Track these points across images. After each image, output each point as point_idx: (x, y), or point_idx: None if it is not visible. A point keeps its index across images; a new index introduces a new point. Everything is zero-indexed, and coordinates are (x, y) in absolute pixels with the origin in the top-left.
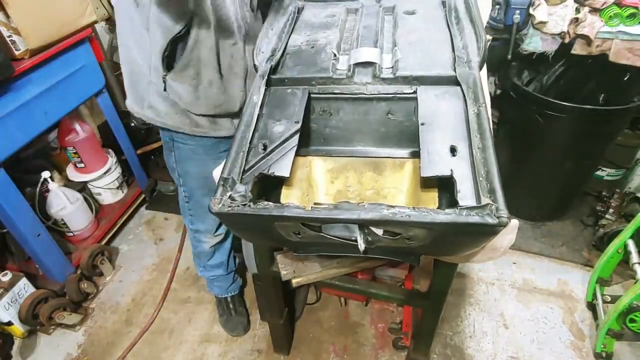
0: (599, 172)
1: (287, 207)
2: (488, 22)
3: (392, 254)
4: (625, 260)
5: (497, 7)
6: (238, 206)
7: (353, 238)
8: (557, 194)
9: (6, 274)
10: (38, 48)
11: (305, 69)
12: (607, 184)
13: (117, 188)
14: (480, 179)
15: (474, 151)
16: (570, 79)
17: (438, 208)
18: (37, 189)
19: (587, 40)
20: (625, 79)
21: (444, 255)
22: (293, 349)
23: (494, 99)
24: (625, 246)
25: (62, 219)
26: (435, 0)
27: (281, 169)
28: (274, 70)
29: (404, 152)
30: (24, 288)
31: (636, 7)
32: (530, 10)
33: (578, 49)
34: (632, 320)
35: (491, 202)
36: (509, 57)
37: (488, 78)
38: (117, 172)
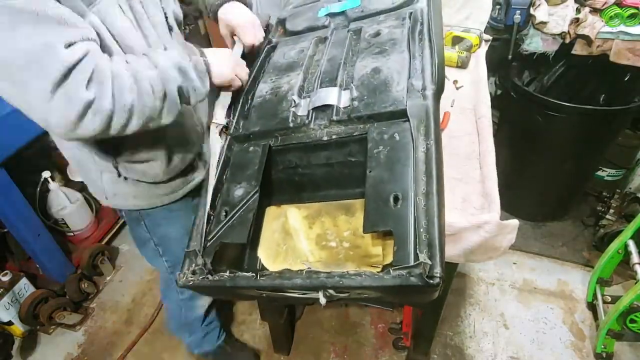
0: (599, 173)
1: (237, 277)
2: (489, 22)
3: (361, 300)
4: (625, 260)
5: (498, 7)
6: (198, 279)
7: (314, 296)
8: (558, 194)
9: (6, 273)
10: None
11: (267, 122)
12: (607, 184)
13: None
14: (421, 230)
15: (417, 198)
16: (570, 79)
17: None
18: (38, 189)
19: (588, 40)
20: (626, 79)
21: (407, 303)
22: (293, 349)
23: (494, 99)
24: (626, 246)
25: (63, 219)
26: (402, 13)
27: (239, 236)
28: (243, 125)
29: None
30: (24, 288)
31: (637, 8)
32: (531, 11)
33: (579, 50)
34: (633, 321)
35: (425, 261)
36: (510, 57)
37: (488, 78)
38: None
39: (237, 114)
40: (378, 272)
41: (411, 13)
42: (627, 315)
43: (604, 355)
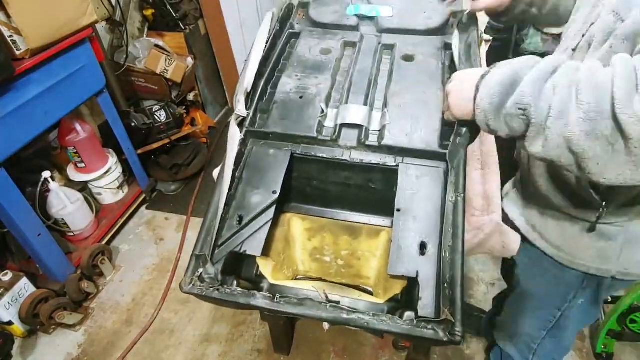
0: None
1: (254, 297)
2: (488, 22)
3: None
4: None
5: None
6: (207, 289)
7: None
8: None
9: (7, 273)
10: (39, 48)
11: (291, 125)
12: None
13: (118, 188)
14: (445, 285)
15: (442, 252)
16: None
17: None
18: (38, 189)
19: None
20: None
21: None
22: (293, 349)
23: None
24: None
25: (63, 219)
26: (438, 41)
27: (253, 247)
28: (262, 120)
29: (381, 221)
30: (25, 288)
31: None
32: None
33: None
34: (633, 321)
35: (449, 318)
36: (510, 57)
37: None
38: (117, 172)
39: (255, 105)
40: (384, 307)
41: (446, 44)
42: (628, 316)
43: (604, 355)
